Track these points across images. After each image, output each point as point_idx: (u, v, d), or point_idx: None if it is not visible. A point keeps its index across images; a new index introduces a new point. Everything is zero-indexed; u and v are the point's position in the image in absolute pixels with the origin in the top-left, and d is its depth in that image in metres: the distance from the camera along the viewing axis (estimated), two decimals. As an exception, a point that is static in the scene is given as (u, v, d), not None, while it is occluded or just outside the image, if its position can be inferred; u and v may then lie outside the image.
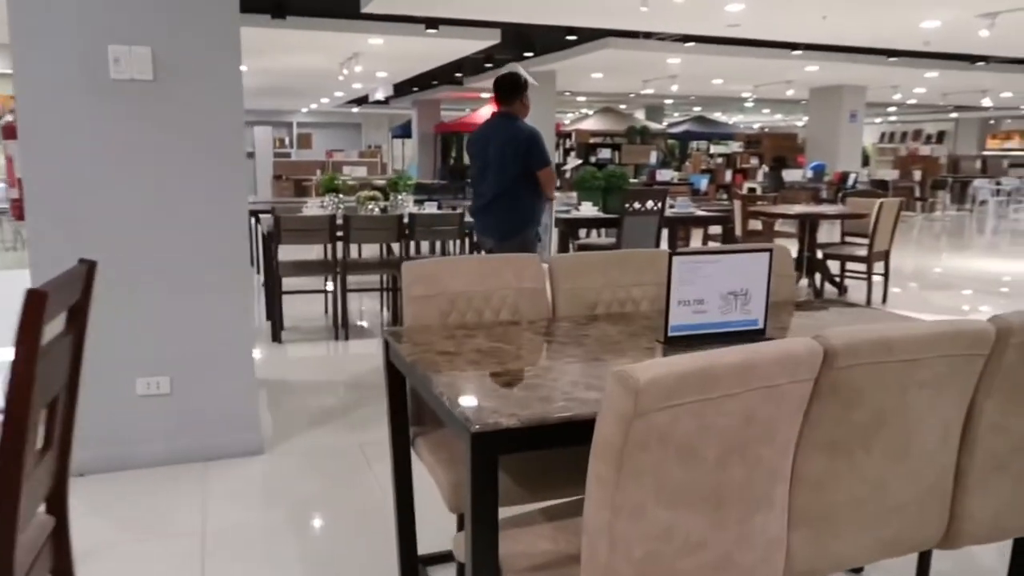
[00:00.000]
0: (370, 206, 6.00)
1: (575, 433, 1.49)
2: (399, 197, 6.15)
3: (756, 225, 8.27)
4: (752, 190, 14.57)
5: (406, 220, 5.64)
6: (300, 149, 22.38)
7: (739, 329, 2.22)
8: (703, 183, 13.88)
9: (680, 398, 1.25)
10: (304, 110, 26.36)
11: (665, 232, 8.88)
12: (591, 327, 2.32)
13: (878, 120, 27.09)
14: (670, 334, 2.14)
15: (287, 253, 5.66)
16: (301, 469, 3.36)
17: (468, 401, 1.59)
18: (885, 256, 6.79)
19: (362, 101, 20.94)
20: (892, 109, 23.54)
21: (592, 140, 17.36)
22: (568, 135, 18.17)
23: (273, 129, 19.87)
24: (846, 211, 7.16)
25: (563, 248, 6.35)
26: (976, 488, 1.70)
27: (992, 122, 25.44)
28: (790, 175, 15.21)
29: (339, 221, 5.51)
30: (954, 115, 24.82)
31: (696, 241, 9.13)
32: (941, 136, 25.98)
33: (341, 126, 29.06)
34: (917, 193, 16.70)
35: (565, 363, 1.93)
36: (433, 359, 1.93)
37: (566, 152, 17.93)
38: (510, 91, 4.54)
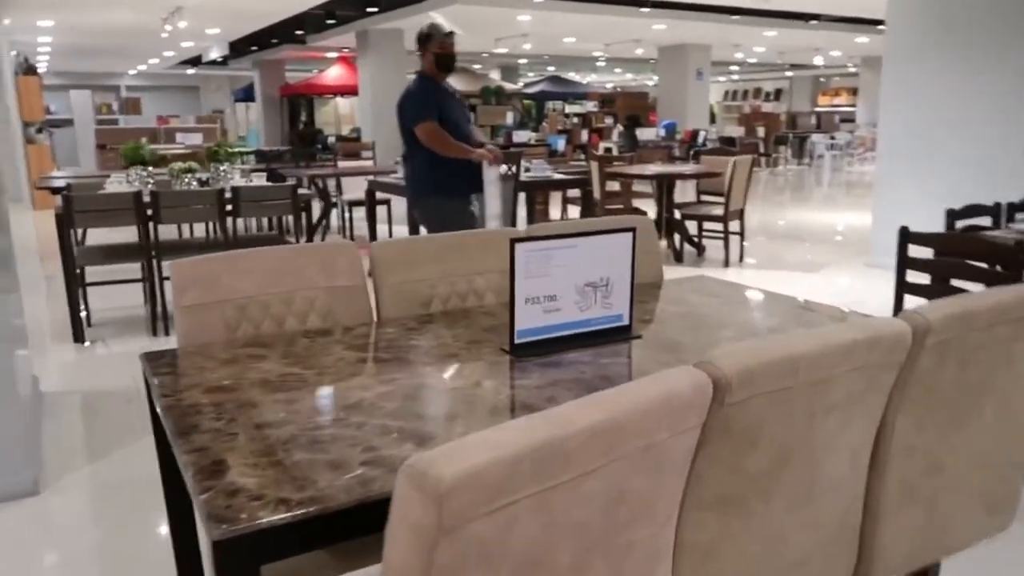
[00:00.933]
0: (186, 179, 5.22)
1: (376, 519, 1.03)
2: (221, 168, 5.40)
3: (614, 186, 8.07)
4: (608, 150, 14.52)
5: (228, 195, 4.92)
6: (128, 115, 20.36)
7: (600, 328, 1.82)
8: (560, 144, 13.66)
9: (512, 494, 0.80)
10: (132, 72, 23.97)
11: (522, 198, 8.53)
12: (423, 333, 1.86)
13: (722, 79, 28.03)
14: (517, 341, 1.72)
15: (99, 237, 4.83)
16: (82, 514, 2.72)
17: (219, 481, 1.09)
18: (740, 214, 6.74)
19: (196, 62, 19.21)
20: (734, 68, 24.37)
21: (446, 101, 16.69)
22: (421, 96, 17.39)
23: (95, 93, 17.84)
24: (702, 170, 7.05)
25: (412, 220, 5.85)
26: (888, 519, 1.39)
27: (823, 80, 26.93)
28: (644, 134, 15.29)
29: (147, 198, 4.72)
30: (789, 73, 26.04)
31: (555, 207, 8.84)
32: (779, 94, 27.25)
33: (176, 89, 26.71)
34: (762, 149, 17.31)
35: (381, 393, 1.45)
36: (195, 403, 1.40)
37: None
38: (418, 45, 4.37)
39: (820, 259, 6.95)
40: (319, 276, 1.98)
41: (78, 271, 4.74)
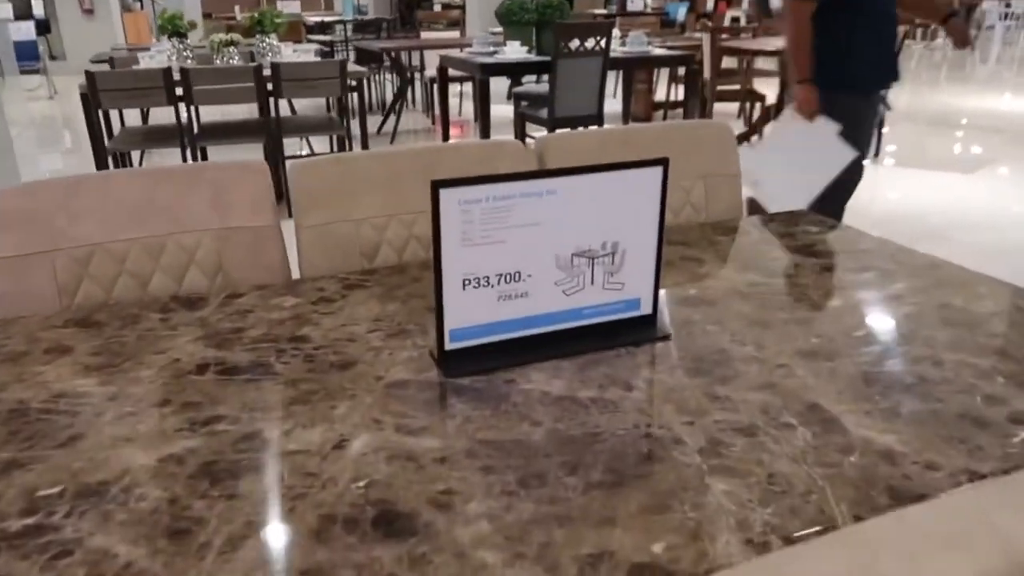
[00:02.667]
0: (229, 53, 4.65)
1: None
2: (266, 41, 4.79)
3: (732, 63, 6.94)
4: (736, 20, 12.87)
5: (267, 72, 4.33)
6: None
7: (602, 320, 1.12)
8: (681, 12, 12.17)
9: None
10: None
11: (620, 78, 7.51)
12: (332, 310, 1.22)
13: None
14: (450, 347, 1.05)
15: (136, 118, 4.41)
16: None
17: None
18: (880, 101, 5.56)
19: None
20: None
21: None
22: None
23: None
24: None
25: (484, 105, 5.07)
26: None
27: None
28: (778, 1, 13.43)
29: (177, 76, 4.21)
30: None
31: (662, 87, 7.76)
32: (948, -49, 23.56)
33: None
34: (918, 20, 15.02)
35: (161, 460, 0.85)
36: None
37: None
38: None
39: (979, 155, 5.72)
40: (208, 213, 1.36)
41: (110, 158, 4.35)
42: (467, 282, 1.03)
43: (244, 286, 1.32)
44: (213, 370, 1.04)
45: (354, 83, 4.72)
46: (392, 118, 6.73)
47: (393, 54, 6.73)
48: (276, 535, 0.73)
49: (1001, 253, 3.70)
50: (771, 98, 6.21)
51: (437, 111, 6.02)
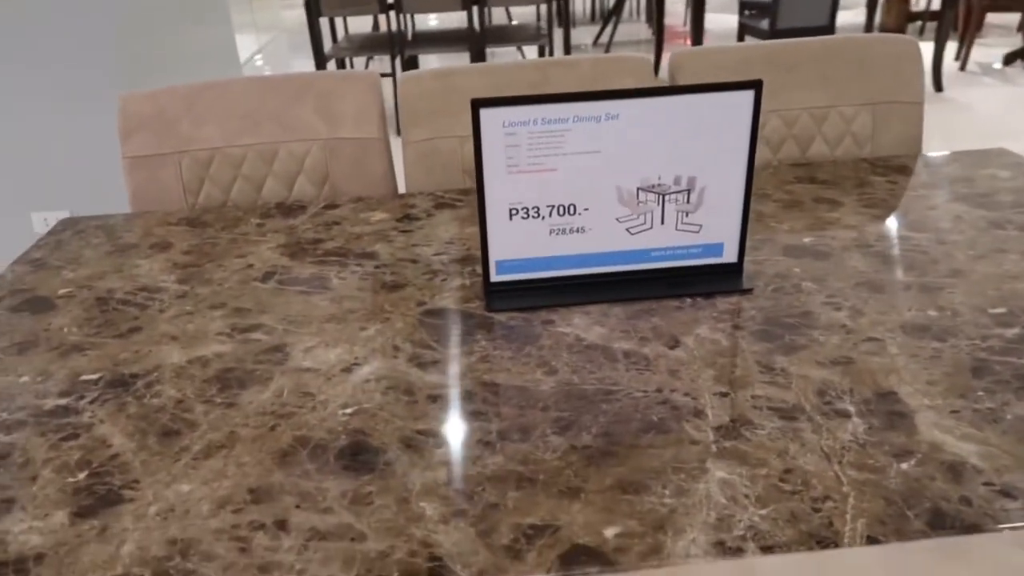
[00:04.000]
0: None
1: None
2: (479, -52, 4.75)
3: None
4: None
5: (474, -20, 4.32)
6: None
7: (672, 265, 1.00)
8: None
9: None
10: None
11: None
12: (417, 229, 1.20)
13: None
14: (495, 278, 0.99)
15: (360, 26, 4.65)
16: None
17: None
18: None
19: None
20: None
21: None
22: None
23: None
24: None
25: (698, 15, 4.68)
26: None
27: None
28: None
29: (390, -16, 4.34)
30: None
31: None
32: None
33: None
34: None
35: (190, 361, 0.89)
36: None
37: None
38: None
39: None
40: (316, 123, 1.38)
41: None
42: (514, 212, 0.95)
43: (344, 197, 1.34)
44: (276, 279, 1.07)
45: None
46: (610, 28, 6.48)
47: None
48: (247, 450, 0.75)
49: None
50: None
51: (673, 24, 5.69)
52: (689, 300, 0.97)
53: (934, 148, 3.82)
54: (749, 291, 0.98)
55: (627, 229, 0.98)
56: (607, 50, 6.22)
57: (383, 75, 4.52)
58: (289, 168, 1.39)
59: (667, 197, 0.97)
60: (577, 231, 0.97)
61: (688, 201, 0.97)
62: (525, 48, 5.54)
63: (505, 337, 0.91)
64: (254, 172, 1.39)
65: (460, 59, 4.65)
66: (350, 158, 1.39)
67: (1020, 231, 1.09)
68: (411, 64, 4.92)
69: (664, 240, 0.99)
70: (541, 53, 4.69)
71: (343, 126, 1.39)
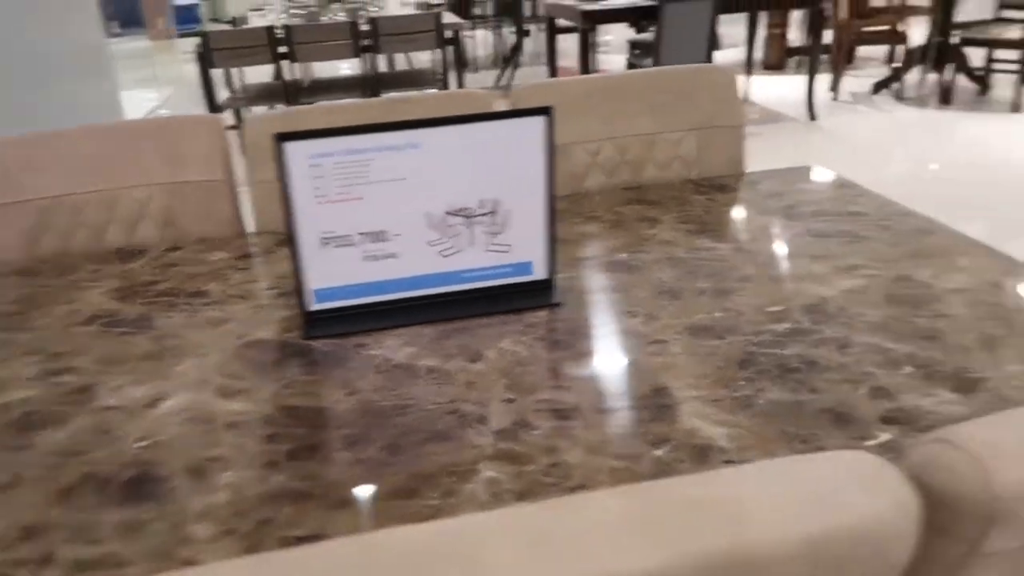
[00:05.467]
0: (334, 9, 4.77)
1: None
2: (372, -3, 4.86)
3: (881, 1, 6.26)
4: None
5: (365, 27, 4.40)
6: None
7: (486, 285, 1.05)
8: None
9: None
10: None
11: (735, 21, 7.00)
12: (254, 266, 1.22)
13: None
14: (315, 307, 1.02)
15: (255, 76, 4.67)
16: None
17: None
18: (1051, 39, 4.81)
19: None
20: None
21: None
22: None
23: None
24: (999, -25, 5.10)
25: (584, 56, 4.89)
26: None
27: None
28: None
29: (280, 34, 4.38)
30: None
31: (793, 30, 7.14)
32: None
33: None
34: None
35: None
36: None
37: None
38: None
39: None
40: (159, 167, 1.39)
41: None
42: (327, 240, 0.99)
43: (188, 240, 1.35)
44: (100, 322, 1.07)
45: (452, 36, 4.69)
46: (509, 72, 6.67)
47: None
48: (29, 490, 0.74)
49: None
50: (917, 38, 5.56)
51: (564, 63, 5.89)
52: (501, 317, 1.01)
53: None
54: (558, 305, 1.03)
55: (439, 252, 1.02)
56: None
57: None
58: (131, 213, 1.39)
59: (474, 220, 1.01)
60: (390, 257, 1.01)
61: (494, 223, 1.02)
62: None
63: (316, 363, 0.93)
64: (96, 219, 1.38)
65: (358, 105, 4.71)
66: (196, 201, 1.40)
67: (814, 237, 1.18)
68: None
69: (475, 261, 1.03)
70: (436, 97, 4.77)
71: (188, 169, 1.40)
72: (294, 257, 0.98)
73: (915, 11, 6.03)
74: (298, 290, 1.00)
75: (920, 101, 5.20)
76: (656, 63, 4.62)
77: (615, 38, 8.03)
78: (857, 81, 5.87)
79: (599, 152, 1.51)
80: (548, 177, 1.01)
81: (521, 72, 7.02)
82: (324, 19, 4.80)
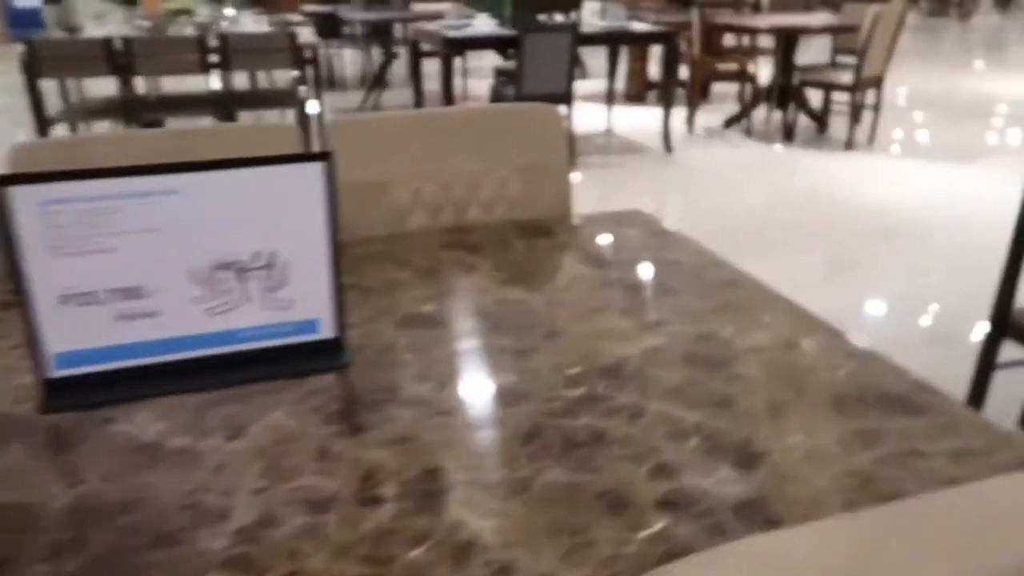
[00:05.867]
0: (182, 22, 4.51)
1: None
2: (224, 11, 4.63)
3: (732, 41, 6.60)
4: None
5: (214, 43, 4.17)
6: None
7: (266, 345, 0.94)
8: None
9: None
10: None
11: (600, 55, 7.22)
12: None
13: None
14: (57, 374, 0.88)
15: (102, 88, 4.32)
16: None
17: None
18: (877, 83, 5.21)
19: None
20: None
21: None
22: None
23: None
24: (834, 22, 5.48)
25: (447, 82, 4.85)
26: None
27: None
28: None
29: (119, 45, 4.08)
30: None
31: (654, 64, 7.42)
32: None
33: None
34: (956, -5, 14.30)
35: None
36: None
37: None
38: None
39: (985, 145, 5.34)
40: None
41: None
42: (66, 298, 0.85)
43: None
44: None
45: (308, 56, 4.54)
46: (375, 93, 6.54)
47: (368, 27, 6.52)
48: None
49: (978, 249, 3.40)
50: (764, 78, 5.89)
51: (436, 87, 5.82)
52: (282, 383, 0.91)
53: (662, 202, 4.16)
54: (347, 367, 0.94)
55: (206, 310, 0.91)
56: (373, 114, 6.24)
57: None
58: None
59: (248, 274, 0.91)
60: (148, 316, 0.89)
61: (271, 277, 0.92)
62: (283, 112, 5.42)
63: (43, 444, 0.79)
64: None
65: (207, 125, 4.44)
66: None
67: (625, 290, 1.14)
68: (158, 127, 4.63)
69: (251, 320, 0.93)
70: (300, 118, 4.59)
71: None
72: (26, 317, 0.84)
73: (762, 52, 6.40)
74: (33, 354, 0.86)
75: (766, 137, 5.50)
76: (518, 91, 4.64)
77: (487, 64, 8.07)
78: (711, 116, 6.14)
79: (421, 190, 1.44)
80: (331, 226, 0.92)
81: (388, 94, 6.91)
82: (171, 32, 4.52)
